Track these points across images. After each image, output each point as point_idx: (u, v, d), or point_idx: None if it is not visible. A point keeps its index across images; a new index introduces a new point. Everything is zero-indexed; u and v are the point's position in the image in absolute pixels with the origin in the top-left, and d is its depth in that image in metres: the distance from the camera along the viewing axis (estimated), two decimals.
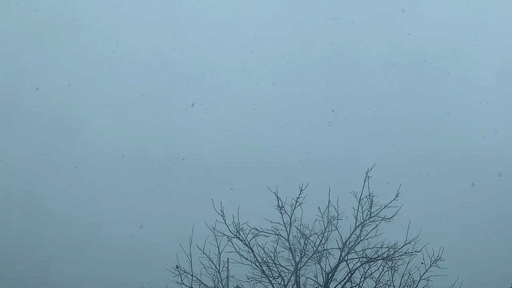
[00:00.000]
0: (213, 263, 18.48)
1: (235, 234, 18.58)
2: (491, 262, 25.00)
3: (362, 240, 18.46)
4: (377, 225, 18.49)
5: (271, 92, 30.71)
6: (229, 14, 31.31)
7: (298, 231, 18.63)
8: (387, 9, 30.42)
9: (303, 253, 18.54)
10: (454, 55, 30.65)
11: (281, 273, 18.58)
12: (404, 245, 18.22)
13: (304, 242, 18.53)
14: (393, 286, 18.29)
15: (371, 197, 18.54)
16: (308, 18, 30.92)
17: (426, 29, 30.74)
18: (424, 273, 18.21)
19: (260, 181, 24.70)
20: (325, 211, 18.60)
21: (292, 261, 18.57)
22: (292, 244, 18.59)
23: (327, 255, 18.53)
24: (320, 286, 18.40)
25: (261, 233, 18.61)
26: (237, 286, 19.04)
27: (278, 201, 18.70)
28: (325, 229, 18.56)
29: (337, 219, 18.60)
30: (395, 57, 30.40)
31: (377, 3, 30.71)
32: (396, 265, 18.30)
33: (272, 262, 18.55)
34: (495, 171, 28.86)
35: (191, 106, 29.32)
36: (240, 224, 18.54)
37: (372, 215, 18.54)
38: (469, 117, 30.45)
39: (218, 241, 18.50)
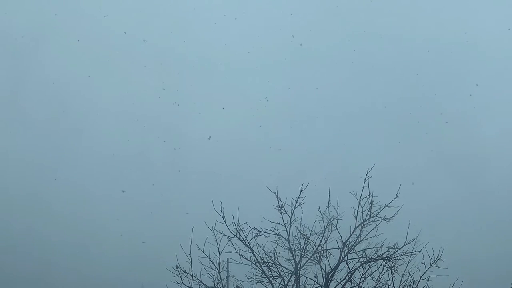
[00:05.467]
0: (213, 263, 18.47)
1: (235, 234, 18.58)
2: (491, 262, 25.02)
3: (362, 240, 18.46)
4: (377, 225, 18.48)
5: (271, 92, 30.72)
6: (231, 13, 31.34)
7: (298, 231, 18.65)
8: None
9: (303, 253, 18.53)
10: (456, 53, 30.65)
11: (281, 273, 18.57)
12: (404, 245, 18.22)
13: (304, 242, 18.53)
14: (393, 286, 18.28)
15: (371, 197, 18.54)
16: (312, 16, 30.96)
17: (431, 25, 30.73)
18: (424, 273, 18.20)
19: (260, 181, 24.71)
20: (325, 211, 18.61)
21: (292, 261, 18.57)
22: (292, 244, 18.59)
23: (327, 255, 18.51)
24: (320, 286, 18.39)
25: (261, 233, 18.61)
26: (237, 286, 19.04)
27: (278, 201, 18.70)
28: (325, 229, 18.55)
29: (337, 219, 18.61)
30: (397, 57, 30.40)
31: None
32: (396, 265, 18.29)
33: (272, 262, 18.55)
34: (495, 171, 28.88)
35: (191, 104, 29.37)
36: (240, 224, 18.56)
37: (372, 215, 18.54)
38: (471, 116, 30.45)
39: (218, 241, 18.51)
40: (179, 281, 18.41)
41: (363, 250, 18.40)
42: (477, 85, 30.31)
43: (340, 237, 18.50)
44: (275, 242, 18.64)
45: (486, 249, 25.68)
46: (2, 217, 28.30)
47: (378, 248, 18.35)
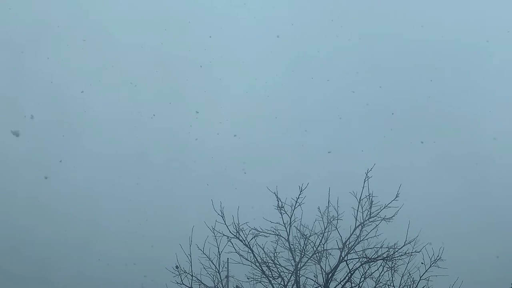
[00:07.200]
0: (213, 263, 18.48)
1: (235, 234, 18.58)
2: (491, 262, 25.01)
3: (362, 240, 18.45)
4: (377, 225, 18.48)
5: (271, 93, 30.72)
6: (232, 12, 31.35)
7: (298, 231, 18.63)
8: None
9: (303, 253, 18.52)
10: (461, 53, 30.70)
11: (281, 273, 18.56)
12: (404, 245, 18.22)
13: (304, 242, 18.52)
14: (393, 286, 18.28)
15: (371, 197, 18.52)
16: (316, 16, 30.99)
17: (432, 26, 30.73)
18: (424, 273, 18.20)
19: (260, 181, 24.70)
20: (325, 211, 18.60)
21: (292, 261, 18.56)
22: (292, 244, 18.58)
23: (327, 255, 18.50)
24: (320, 286, 18.38)
25: (261, 234, 18.60)
26: (237, 286, 19.04)
27: (278, 201, 18.69)
28: (325, 229, 18.55)
29: (337, 219, 18.59)
30: (399, 58, 30.43)
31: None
32: (396, 265, 18.29)
33: (272, 262, 18.54)
34: (495, 171, 28.88)
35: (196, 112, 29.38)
36: (240, 224, 18.55)
37: (372, 215, 18.53)
38: (472, 117, 30.47)
39: (218, 241, 18.51)
40: (179, 281, 18.42)
41: (363, 250, 18.39)
42: (473, 84, 30.31)
43: (340, 237, 18.51)
44: (275, 242, 18.64)
45: (486, 249, 25.66)
46: (2, 217, 28.30)
47: (378, 248, 18.36)
